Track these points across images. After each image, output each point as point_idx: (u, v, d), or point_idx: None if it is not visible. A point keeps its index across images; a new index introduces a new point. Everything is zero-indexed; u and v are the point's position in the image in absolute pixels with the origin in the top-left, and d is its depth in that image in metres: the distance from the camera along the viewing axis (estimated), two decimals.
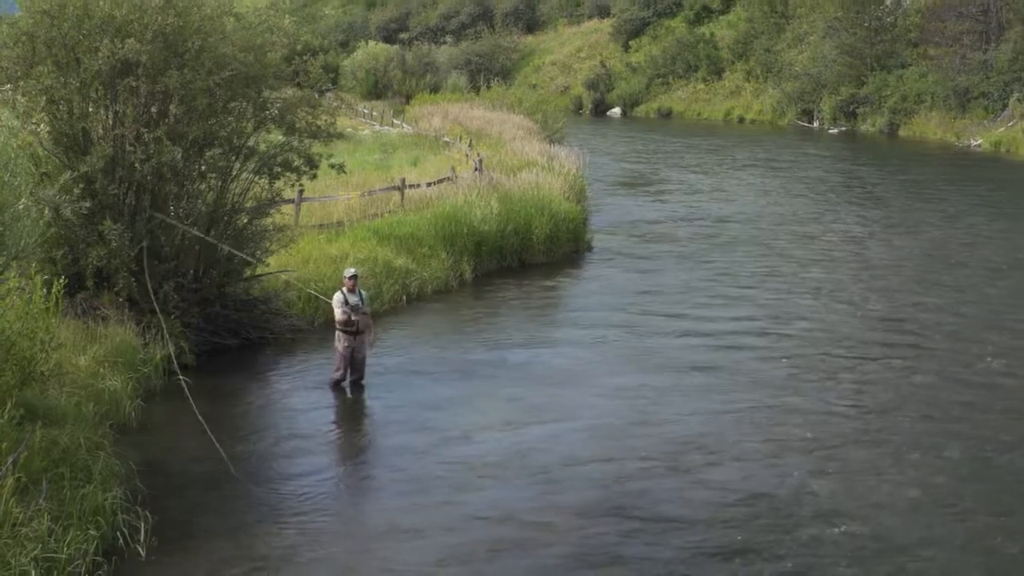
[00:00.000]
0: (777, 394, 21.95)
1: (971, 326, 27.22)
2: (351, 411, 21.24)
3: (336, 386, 21.76)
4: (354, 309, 21.48)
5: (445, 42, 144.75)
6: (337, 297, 21.69)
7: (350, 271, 22.05)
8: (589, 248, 37.06)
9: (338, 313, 21.47)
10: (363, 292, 22.26)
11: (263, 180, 25.04)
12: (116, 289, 22.22)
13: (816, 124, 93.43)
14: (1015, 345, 25.25)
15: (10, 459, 13.80)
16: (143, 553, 14.38)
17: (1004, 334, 26.27)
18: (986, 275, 33.45)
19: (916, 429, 19.90)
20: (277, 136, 25.15)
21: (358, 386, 21.82)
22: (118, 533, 14.57)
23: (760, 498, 16.91)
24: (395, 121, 75.79)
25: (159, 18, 22.25)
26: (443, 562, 14.77)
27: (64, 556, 13.25)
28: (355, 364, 21.82)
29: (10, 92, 22.60)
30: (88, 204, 20.85)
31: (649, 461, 18.48)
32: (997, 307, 29.33)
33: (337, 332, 21.68)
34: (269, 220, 25.79)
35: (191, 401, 19.12)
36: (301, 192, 29.95)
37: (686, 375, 23.31)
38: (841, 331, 26.92)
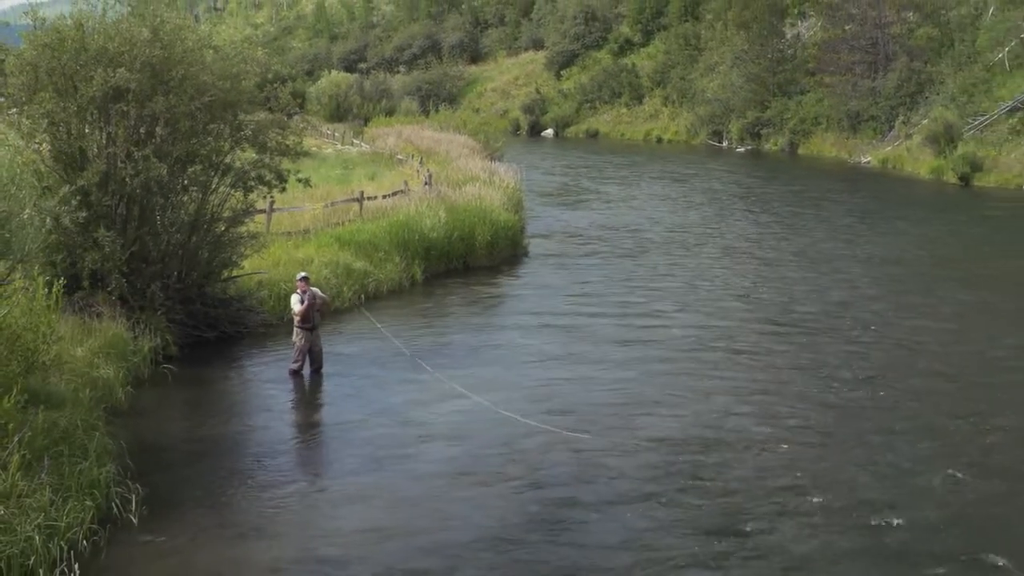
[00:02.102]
0: (693, 359, 23.37)
1: (845, 304, 28.89)
2: (314, 395, 21.25)
3: (295, 375, 21.75)
4: (312, 297, 21.54)
5: (399, 71, 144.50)
6: (294, 297, 21.75)
7: (301, 274, 22.16)
8: (526, 252, 37.13)
9: (296, 307, 21.53)
10: (315, 290, 22.26)
11: (238, 193, 25.08)
12: (109, 289, 22.17)
13: (725, 143, 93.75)
14: (878, 319, 27.00)
15: (16, 438, 13.81)
16: (135, 522, 14.40)
17: (872, 310, 28.08)
18: (859, 267, 34.75)
19: (804, 379, 21.85)
20: (251, 154, 25.15)
21: (318, 374, 21.84)
22: (112, 504, 14.60)
23: (691, 432, 18.41)
24: (355, 141, 75.46)
25: (147, 50, 22.31)
26: (402, 515, 15.02)
27: (64, 524, 13.28)
28: (313, 356, 21.85)
29: (15, 115, 22.54)
30: (84, 214, 20.77)
31: (592, 417, 19.19)
32: (866, 291, 30.86)
33: (295, 328, 21.74)
34: (244, 228, 25.79)
35: (175, 387, 19.16)
36: (272, 203, 29.92)
37: (615, 350, 24.02)
38: (739, 309, 28.43)
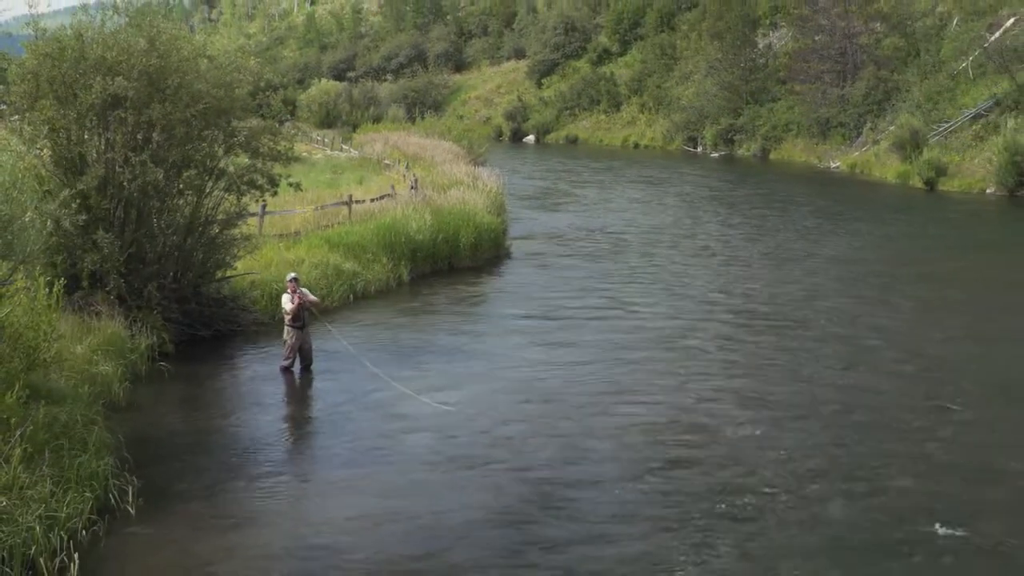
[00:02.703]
0: (666, 349, 23.79)
1: (811, 301, 29.27)
2: (304, 390, 21.28)
3: (286, 372, 21.78)
4: (302, 296, 21.57)
5: (386, 79, 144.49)
6: (285, 297, 21.79)
7: (291, 275, 22.16)
8: (508, 254, 37.18)
9: (287, 306, 21.55)
10: (304, 290, 22.28)
11: (232, 196, 25.09)
12: (108, 289, 22.19)
13: (700, 149, 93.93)
14: (844, 314, 27.33)
15: (18, 432, 13.82)
16: (132, 512, 14.42)
17: (837, 306, 28.48)
18: (825, 266, 35.03)
19: (773, 371, 22.21)
20: (243, 159, 25.17)
21: (308, 371, 21.87)
22: (110, 495, 14.60)
23: (670, 418, 18.80)
24: (343, 146, 75.43)
25: (144, 59, 22.32)
26: (392, 502, 15.07)
27: (64, 515, 13.29)
28: (303, 353, 21.87)
29: (17, 122, 22.55)
30: (84, 217, 20.84)
31: (571, 404, 19.49)
32: (831, 288, 31.17)
33: (286, 327, 21.76)
34: (237, 230, 25.79)
35: (171, 383, 19.18)
36: (264, 207, 29.94)
37: (593, 345, 24.14)
38: (710, 306, 28.63)
